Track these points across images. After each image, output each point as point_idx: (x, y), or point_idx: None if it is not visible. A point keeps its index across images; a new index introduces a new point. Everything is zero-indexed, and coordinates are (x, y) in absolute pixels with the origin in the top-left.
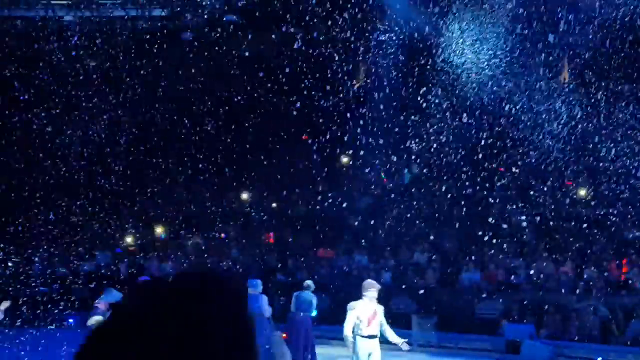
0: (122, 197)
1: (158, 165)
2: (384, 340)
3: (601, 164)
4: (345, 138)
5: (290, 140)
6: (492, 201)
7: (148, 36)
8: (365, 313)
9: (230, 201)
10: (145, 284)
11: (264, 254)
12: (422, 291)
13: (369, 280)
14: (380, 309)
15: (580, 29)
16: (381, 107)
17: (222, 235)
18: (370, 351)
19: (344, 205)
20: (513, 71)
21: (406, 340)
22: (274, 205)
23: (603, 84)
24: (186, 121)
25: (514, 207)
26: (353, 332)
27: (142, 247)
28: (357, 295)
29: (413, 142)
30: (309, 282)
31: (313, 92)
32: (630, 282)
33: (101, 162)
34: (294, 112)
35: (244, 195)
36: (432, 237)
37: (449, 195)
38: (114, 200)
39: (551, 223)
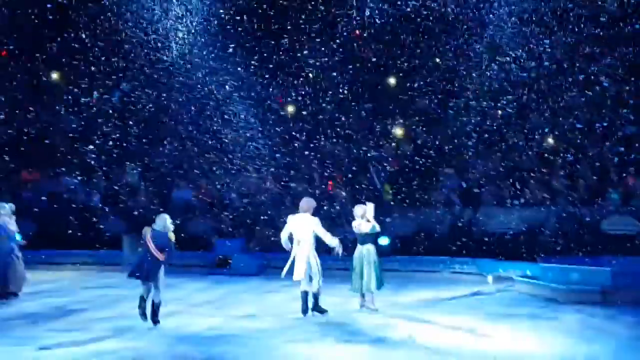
0: None
1: None
2: None
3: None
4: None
5: None
6: (204, 117)
7: None
8: None
9: None
10: None
11: None
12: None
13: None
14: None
15: None
16: (90, 23)
17: None
18: None
19: (51, 124)
20: None
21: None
22: None
23: None
24: None
25: (224, 123)
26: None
27: None
28: (63, 218)
29: (121, 58)
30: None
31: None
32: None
33: None
34: None
35: None
36: (144, 157)
37: (159, 114)
38: None
39: (257, 139)
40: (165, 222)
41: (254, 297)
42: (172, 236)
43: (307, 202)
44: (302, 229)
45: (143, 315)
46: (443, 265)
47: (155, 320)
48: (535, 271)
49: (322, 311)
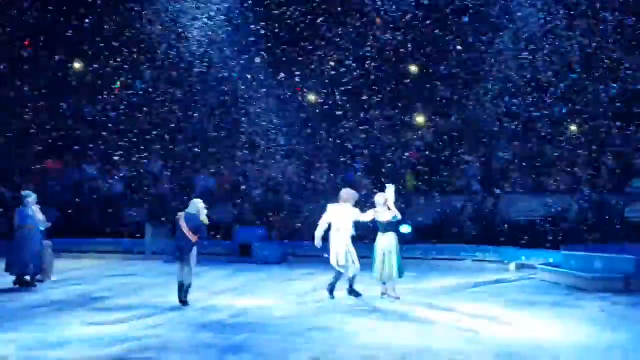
0: None
1: None
2: None
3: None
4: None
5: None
6: (222, 109)
7: None
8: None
9: None
10: None
11: None
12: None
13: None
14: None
15: None
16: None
17: None
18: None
19: (73, 114)
20: None
21: None
22: None
23: None
24: None
25: (248, 114)
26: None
27: None
28: (86, 206)
29: (143, 49)
30: (27, 192)
31: None
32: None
33: None
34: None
35: None
36: (165, 144)
37: (182, 102)
38: None
39: (278, 127)
40: (197, 205)
41: (275, 285)
42: (204, 219)
43: (347, 193)
44: (342, 218)
45: (183, 302)
46: (465, 253)
47: (184, 302)
48: (558, 259)
49: (357, 294)
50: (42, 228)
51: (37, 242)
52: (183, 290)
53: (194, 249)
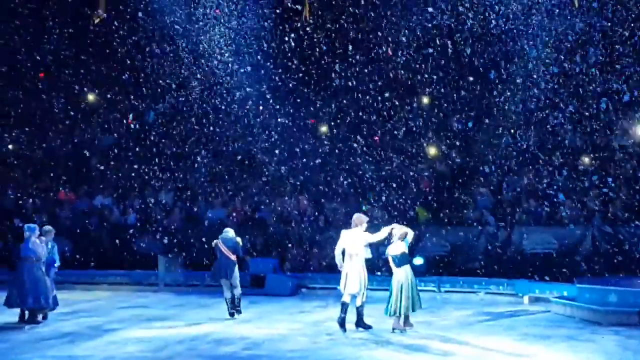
0: None
1: None
2: None
3: None
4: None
5: (26, 78)
6: (235, 139)
7: None
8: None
9: None
10: None
11: None
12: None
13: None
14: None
15: None
16: (124, 46)
17: None
18: None
19: (86, 145)
20: None
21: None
22: (10, 147)
23: None
24: None
25: (258, 144)
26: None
27: None
28: (99, 237)
29: (157, 80)
30: (28, 226)
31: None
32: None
33: None
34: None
35: None
36: (178, 176)
37: (194, 134)
38: None
39: (295, 160)
40: (231, 232)
41: (288, 317)
42: (239, 240)
43: (359, 217)
44: (355, 243)
45: (232, 314)
46: (478, 286)
47: (239, 311)
48: (572, 292)
49: (366, 327)
50: (56, 261)
51: (36, 275)
52: (235, 301)
53: (236, 267)
